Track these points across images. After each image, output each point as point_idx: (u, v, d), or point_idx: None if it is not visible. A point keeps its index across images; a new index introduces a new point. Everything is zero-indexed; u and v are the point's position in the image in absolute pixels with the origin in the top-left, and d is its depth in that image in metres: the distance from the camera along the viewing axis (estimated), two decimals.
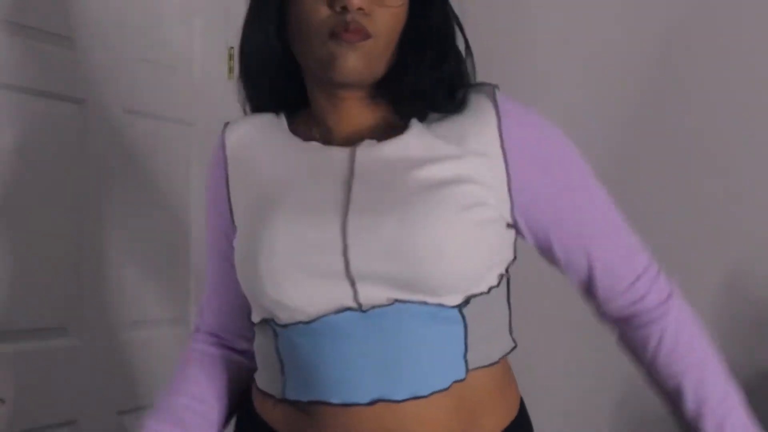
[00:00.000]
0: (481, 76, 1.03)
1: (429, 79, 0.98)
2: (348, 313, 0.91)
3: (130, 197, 1.98)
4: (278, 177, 1.00)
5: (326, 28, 0.95)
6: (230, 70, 2.30)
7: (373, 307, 0.90)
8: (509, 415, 1.00)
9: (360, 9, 0.93)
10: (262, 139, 1.05)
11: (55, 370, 1.78)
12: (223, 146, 1.07)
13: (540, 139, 1.00)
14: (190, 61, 2.17)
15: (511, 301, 1.02)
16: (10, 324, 1.68)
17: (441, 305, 0.92)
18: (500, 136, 0.96)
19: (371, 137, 0.99)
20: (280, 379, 0.97)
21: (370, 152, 0.97)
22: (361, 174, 0.96)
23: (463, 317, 0.93)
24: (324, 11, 0.95)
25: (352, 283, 0.91)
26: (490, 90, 0.99)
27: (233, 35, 2.26)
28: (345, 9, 0.93)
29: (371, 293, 0.91)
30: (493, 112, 0.97)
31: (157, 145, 2.06)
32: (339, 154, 0.98)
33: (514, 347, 1.01)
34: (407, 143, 0.97)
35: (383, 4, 0.95)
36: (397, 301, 0.90)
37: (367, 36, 0.94)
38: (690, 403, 1.00)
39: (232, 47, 2.30)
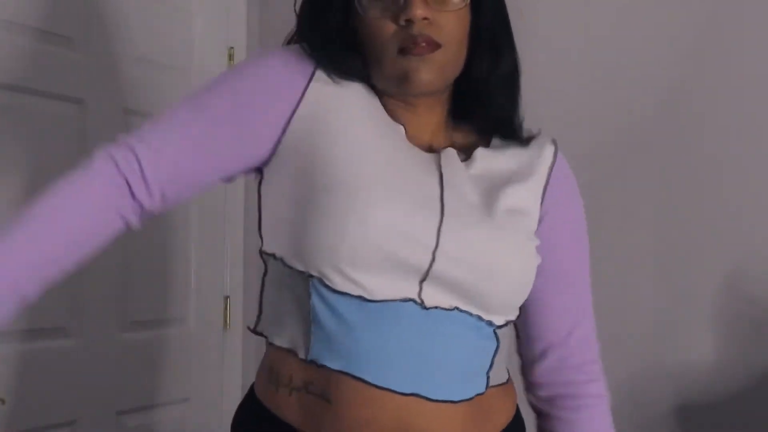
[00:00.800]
0: None
1: (495, 93, 1.02)
2: (411, 304, 0.92)
3: None
4: (374, 151, 0.97)
5: (395, 44, 0.95)
6: None
7: (436, 307, 0.93)
8: (507, 418, 1.03)
9: (425, 19, 0.94)
10: (357, 105, 0.99)
11: (55, 370, 1.78)
12: (310, 77, 0.98)
13: (574, 199, 1.08)
14: (190, 61, 2.17)
15: None
16: (10, 324, 1.68)
17: (490, 323, 0.96)
18: (549, 174, 1.04)
19: (444, 145, 1.03)
20: (304, 339, 0.95)
21: (453, 163, 1.00)
22: (448, 181, 0.98)
23: (497, 337, 0.98)
24: (390, 27, 0.95)
25: (421, 281, 0.93)
26: (552, 139, 1.08)
27: (233, 35, 2.31)
28: (410, 21, 0.94)
29: (434, 296, 0.93)
30: (551, 153, 1.06)
31: None
32: (425, 155, 1.01)
33: (508, 378, 1.05)
34: (483, 163, 1.02)
35: (446, 9, 0.96)
36: (457, 308, 0.94)
37: (436, 46, 0.95)
38: None
39: (232, 47, 2.30)
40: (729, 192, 1.76)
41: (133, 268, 1.97)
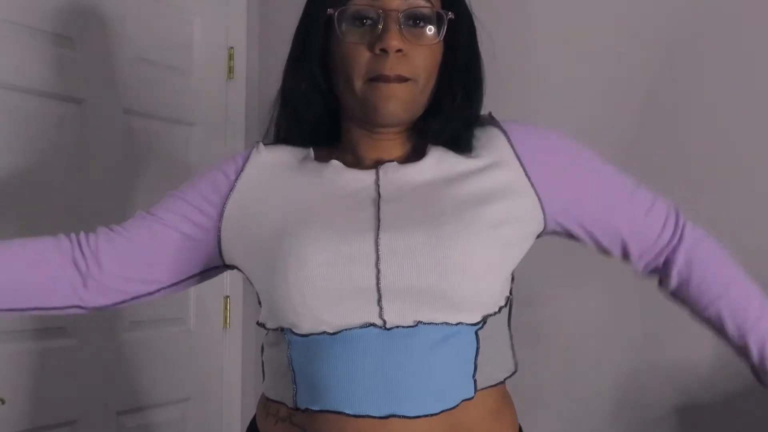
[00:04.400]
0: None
1: (459, 122, 1.03)
2: (372, 328, 0.93)
3: (130, 197, 1.98)
4: (304, 197, 1.02)
5: (367, 72, 0.98)
6: (230, 70, 2.30)
7: (397, 326, 0.93)
8: None
9: (399, 51, 0.96)
10: (288, 165, 1.07)
11: (55, 370, 1.78)
12: (246, 158, 1.08)
13: (544, 142, 1.05)
14: (190, 61, 2.17)
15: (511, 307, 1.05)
16: (10, 324, 1.68)
17: (461, 323, 0.95)
18: (512, 147, 1.03)
19: (393, 161, 1.04)
20: (291, 388, 0.98)
21: (394, 173, 1.02)
22: (387, 194, 1.00)
23: (477, 339, 0.97)
24: (365, 54, 0.98)
25: (379, 300, 0.93)
26: (488, 116, 1.07)
27: (233, 35, 2.31)
28: (384, 51, 0.96)
29: (396, 312, 0.93)
30: (498, 131, 1.04)
31: (157, 145, 2.06)
32: (363, 175, 1.02)
33: (515, 372, 1.04)
34: (429, 165, 1.02)
35: (420, 44, 0.98)
36: (420, 323, 0.93)
37: (405, 80, 0.98)
38: (731, 329, 1.06)
39: (232, 47, 2.30)
40: (728, 192, 1.76)
41: None
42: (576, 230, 1.06)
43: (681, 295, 1.09)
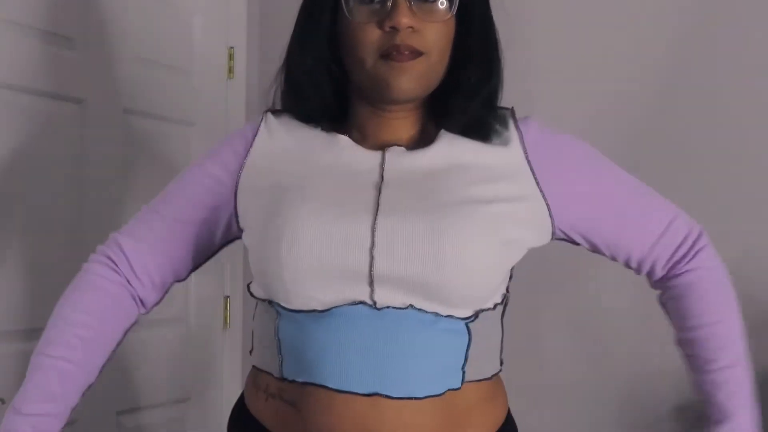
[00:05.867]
0: None
1: (479, 102, 1.02)
2: (362, 306, 0.93)
3: (130, 197, 1.97)
4: (305, 166, 1.02)
5: (378, 49, 0.96)
6: (230, 70, 2.30)
7: (388, 306, 0.93)
8: (495, 424, 1.02)
9: (410, 27, 0.95)
10: (297, 134, 1.06)
11: None
12: (256, 131, 1.08)
13: (558, 147, 1.04)
14: (190, 61, 2.17)
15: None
16: (10, 324, 1.68)
17: (450, 316, 0.94)
18: (525, 154, 1.02)
19: (402, 144, 1.02)
20: (277, 358, 0.99)
21: (400, 158, 1.00)
22: (390, 179, 0.98)
23: (469, 331, 0.96)
24: (374, 32, 0.96)
25: (370, 283, 0.93)
26: (509, 112, 1.05)
27: (233, 35, 2.31)
28: (395, 28, 0.95)
29: (387, 296, 0.93)
30: (515, 133, 1.03)
31: (157, 145, 2.05)
32: (368, 156, 1.01)
33: (500, 370, 1.04)
34: (437, 152, 1.00)
35: (432, 20, 0.97)
36: (411, 306, 0.93)
37: (418, 54, 0.96)
38: (698, 362, 1.04)
39: (232, 47, 2.30)
40: (727, 192, 1.76)
41: None
42: (581, 242, 1.07)
43: (667, 306, 1.10)
